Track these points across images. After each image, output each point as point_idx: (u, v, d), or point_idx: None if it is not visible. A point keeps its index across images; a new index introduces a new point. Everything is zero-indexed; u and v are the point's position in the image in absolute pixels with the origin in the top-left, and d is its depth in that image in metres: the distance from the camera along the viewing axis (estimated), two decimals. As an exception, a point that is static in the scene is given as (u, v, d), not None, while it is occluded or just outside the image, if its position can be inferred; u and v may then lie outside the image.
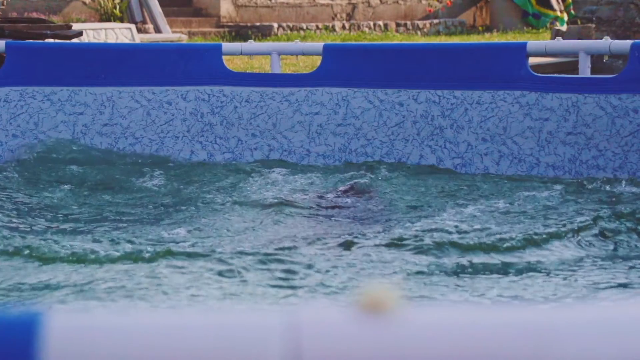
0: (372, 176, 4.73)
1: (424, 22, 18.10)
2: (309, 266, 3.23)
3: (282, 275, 3.13)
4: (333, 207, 3.92)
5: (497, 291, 2.95)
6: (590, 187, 4.73)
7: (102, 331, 0.82)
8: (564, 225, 3.80)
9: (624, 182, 4.84)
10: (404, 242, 3.47)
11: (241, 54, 5.90)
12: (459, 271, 3.15)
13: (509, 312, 0.85)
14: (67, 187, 4.84)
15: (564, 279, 3.11)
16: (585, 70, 5.17)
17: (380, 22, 17.72)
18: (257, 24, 16.68)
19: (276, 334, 0.82)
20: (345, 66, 5.33)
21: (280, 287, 3.01)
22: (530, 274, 3.16)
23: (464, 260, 3.28)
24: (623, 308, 0.89)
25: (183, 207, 4.15)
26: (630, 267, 3.28)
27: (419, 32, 17.82)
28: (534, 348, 0.82)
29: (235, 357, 0.81)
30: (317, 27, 16.83)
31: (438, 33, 17.80)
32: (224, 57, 5.60)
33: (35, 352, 0.82)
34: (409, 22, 17.92)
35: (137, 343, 0.82)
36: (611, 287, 3.02)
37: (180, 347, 0.82)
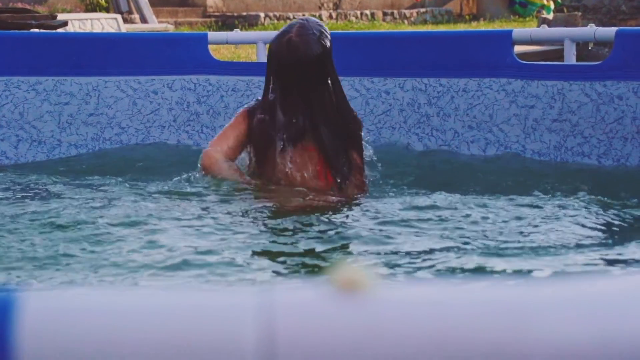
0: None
1: (411, 11, 18.10)
2: (284, 246, 3.26)
3: (256, 256, 3.16)
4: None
5: (475, 271, 2.97)
6: (574, 173, 4.75)
7: (77, 312, 0.82)
8: (546, 208, 3.83)
9: (608, 168, 4.87)
10: (383, 225, 3.50)
11: (227, 43, 5.89)
12: (437, 253, 3.18)
13: (486, 290, 0.85)
14: (52, 171, 4.85)
15: (544, 257, 3.13)
16: (570, 57, 5.18)
17: (367, 12, 17.71)
18: (244, 13, 16.65)
19: (250, 314, 0.82)
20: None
21: (254, 267, 3.03)
22: (508, 252, 3.18)
23: (442, 241, 3.31)
24: (600, 286, 0.90)
25: (165, 190, 4.15)
26: (609, 247, 3.31)
27: (405, 21, 17.82)
28: (511, 326, 0.83)
29: (208, 337, 0.82)
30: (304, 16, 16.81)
31: (425, 22, 17.81)
32: (210, 46, 5.58)
33: (9, 334, 0.82)
34: (395, 11, 17.92)
35: (111, 324, 0.82)
36: (590, 266, 3.04)
37: (153, 327, 0.82)
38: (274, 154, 3.87)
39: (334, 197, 3.89)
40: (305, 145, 3.89)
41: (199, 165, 3.92)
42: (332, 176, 3.91)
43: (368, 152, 4.11)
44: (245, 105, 4.03)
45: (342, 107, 3.90)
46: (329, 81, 3.88)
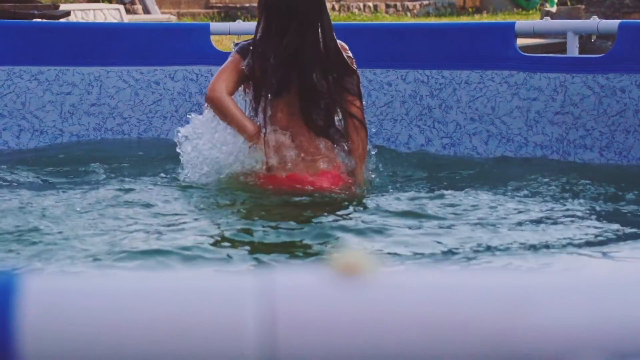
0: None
1: (414, 3, 18.08)
2: (284, 233, 3.28)
3: (256, 242, 3.18)
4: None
5: (474, 259, 2.98)
6: (576, 166, 4.76)
7: (78, 294, 0.83)
8: (548, 201, 3.84)
9: (610, 161, 4.88)
10: (385, 215, 3.51)
11: (229, 33, 5.89)
12: (437, 243, 3.19)
13: (485, 275, 0.85)
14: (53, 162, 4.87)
15: (544, 248, 3.14)
16: (573, 50, 5.18)
17: (370, 4, 17.69)
18: (247, 5, 16.63)
19: (250, 297, 0.82)
20: (334, 46, 5.32)
21: (254, 253, 3.05)
22: (508, 243, 3.19)
23: (442, 231, 3.32)
24: (599, 273, 0.90)
25: (165, 180, 4.17)
26: (609, 238, 3.32)
27: (408, 14, 17.80)
28: (508, 312, 0.83)
29: (209, 320, 0.82)
30: (307, 8, 16.78)
31: (428, 14, 17.79)
32: (212, 37, 5.58)
33: (11, 316, 0.83)
34: (398, 4, 17.89)
35: (112, 306, 0.82)
36: (590, 256, 3.05)
37: (154, 310, 0.83)
38: (262, 102, 3.85)
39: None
40: (291, 100, 3.86)
41: (205, 104, 3.88)
42: (319, 131, 3.87)
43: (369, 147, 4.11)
44: (237, 46, 3.99)
45: (330, 48, 3.86)
46: (321, 23, 3.85)
